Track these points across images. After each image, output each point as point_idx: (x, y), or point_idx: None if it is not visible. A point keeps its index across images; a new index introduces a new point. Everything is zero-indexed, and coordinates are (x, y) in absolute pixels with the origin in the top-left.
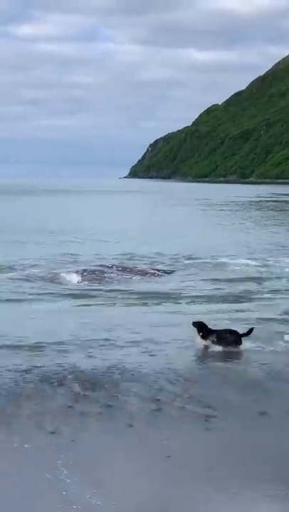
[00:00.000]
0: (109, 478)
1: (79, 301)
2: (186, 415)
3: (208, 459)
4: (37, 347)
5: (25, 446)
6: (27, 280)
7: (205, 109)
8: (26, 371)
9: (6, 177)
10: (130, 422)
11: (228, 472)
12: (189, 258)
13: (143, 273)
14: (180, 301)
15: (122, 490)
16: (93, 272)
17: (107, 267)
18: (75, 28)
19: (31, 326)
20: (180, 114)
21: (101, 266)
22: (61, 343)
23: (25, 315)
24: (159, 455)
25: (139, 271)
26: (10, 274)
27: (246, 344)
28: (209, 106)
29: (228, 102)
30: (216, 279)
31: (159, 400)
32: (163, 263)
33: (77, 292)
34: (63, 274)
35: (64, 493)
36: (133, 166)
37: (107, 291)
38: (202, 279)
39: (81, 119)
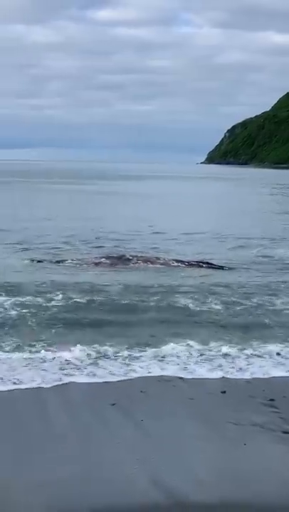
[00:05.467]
0: None
1: None
2: None
3: None
4: None
5: None
6: None
7: (284, 93)
8: None
9: (88, 162)
10: None
11: None
12: None
13: None
14: None
15: None
16: None
17: None
18: (154, 12)
19: None
20: (258, 99)
21: None
22: None
23: None
24: None
25: None
26: None
27: None
28: None
29: None
30: None
31: None
32: None
33: None
34: None
35: None
36: (210, 152)
37: None
38: None
39: (159, 104)
